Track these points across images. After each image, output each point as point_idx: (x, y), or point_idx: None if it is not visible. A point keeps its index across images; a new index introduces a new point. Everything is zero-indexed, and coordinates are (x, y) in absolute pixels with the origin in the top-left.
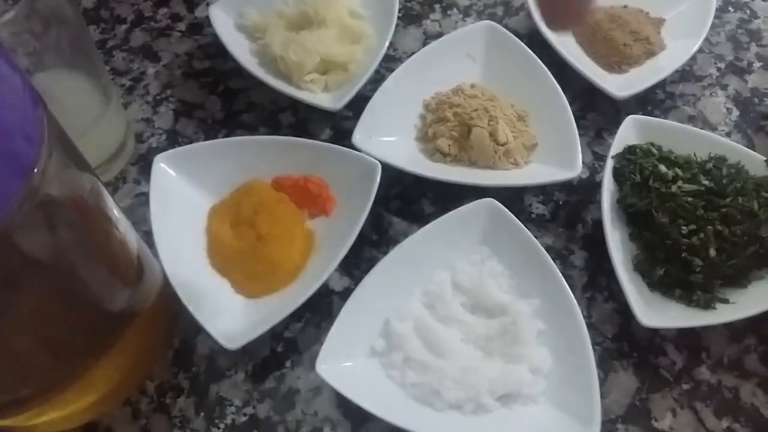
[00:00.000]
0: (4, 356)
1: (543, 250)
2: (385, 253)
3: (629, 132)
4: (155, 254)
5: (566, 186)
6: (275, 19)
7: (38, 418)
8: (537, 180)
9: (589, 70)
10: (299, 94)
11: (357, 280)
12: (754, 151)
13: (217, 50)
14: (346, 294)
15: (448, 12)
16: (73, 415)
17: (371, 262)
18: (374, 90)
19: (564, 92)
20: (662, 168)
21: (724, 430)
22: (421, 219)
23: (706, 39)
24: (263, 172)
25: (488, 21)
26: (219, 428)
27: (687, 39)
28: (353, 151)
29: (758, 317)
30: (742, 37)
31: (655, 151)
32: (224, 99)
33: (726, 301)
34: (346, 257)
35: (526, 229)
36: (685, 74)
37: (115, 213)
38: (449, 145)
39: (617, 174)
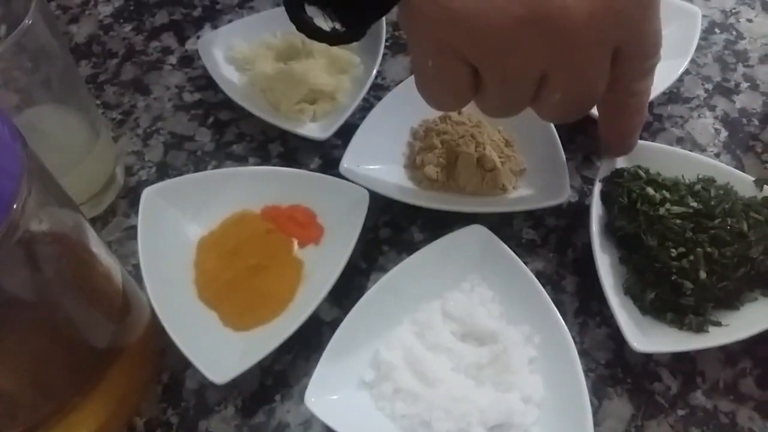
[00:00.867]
0: None
1: (532, 276)
2: (375, 281)
3: None
4: (143, 288)
5: (556, 210)
6: (263, 50)
7: None
8: (525, 206)
9: None
10: (288, 124)
11: (346, 310)
12: (744, 171)
13: (208, 82)
14: (335, 324)
15: None
16: None
17: (360, 291)
18: (362, 118)
19: None
20: (650, 191)
21: None
22: (411, 247)
23: (693, 61)
24: (252, 203)
25: None
26: None
27: (673, 61)
28: (341, 180)
29: (752, 339)
30: (729, 58)
31: (642, 174)
32: (214, 130)
33: (719, 324)
34: (336, 287)
35: (515, 255)
36: (672, 96)
37: (100, 248)
38: (437, 172)
39: (605, 198)
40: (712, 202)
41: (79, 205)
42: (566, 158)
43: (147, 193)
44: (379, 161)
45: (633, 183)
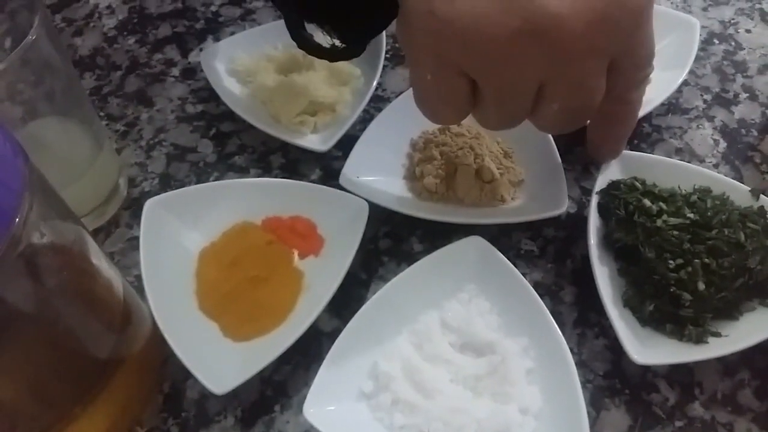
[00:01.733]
0: None
1: (530, 287)
2: (374, 292)
3: (613, 167)
4: (145, 299)
5: (554, 221)
6: (265, 62)
7: None
8: (523, 217)
9: None
10: (288, 136)
11: (346, 321)
12: (743, 182)
13: (210, 94)
14: (335, 335)
15: None
16: None
17: (360, 302)
18: (363, 130)
19: None
20: (646, 202)
21: None
22: (410, 257)
23: (692, 71)
24: (253, 214)
25: None
26: None
27: (671, 72)
28: (341, 191)
29: (751, 350)
30: (728, 69)
31: (639, 186)
32: (216, 142)
33: (718, 335)
34: (336, 298)
35: (512, 266)
36: (671, 107)
37: (101, 260)
38: (436, 184)
39: (602, 210)
40: (709, 213)
41: (83, 216)
42: (565, 169)
43: (149, 204)
44: (379, 172)
45: (630, 195)
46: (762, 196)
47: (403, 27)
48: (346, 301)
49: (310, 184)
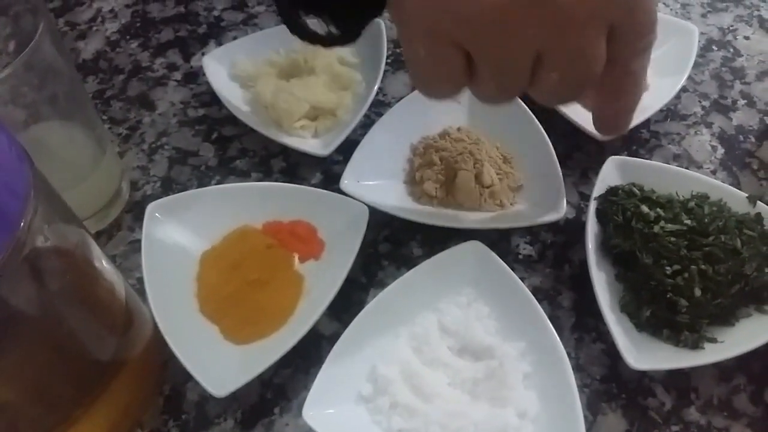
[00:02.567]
0: None
1: (528, 291)
2: (374, 296)
3: (611, 173)
4: (146, 301)
5: (553, 226)
6: (266, 67)
7: None
8: (522, 222)
9: (573, 112)
10: (289, 140)
11: (346, 324)
12: (740, 188)
13: (211, 98)
14: (334, 338)
15: None
16: None
17: (360, 306)
18: (363, 134)
19: (549, 132)
20: (644, 208)
21: None
22: (410, 261)
23: (690, 78)
24: (254, 218)
25: None
26: None
27: (670, 78)
28: (342, 195)
29: (747, 356)
30: (726, 75)
31: (637, 192)
32: (217, 146)
33: (714, 341)
34: (335, 301)
35: (511, 270)
36: (669, 113)
37: (104, 263)
38: (436, 189)
39: (600, 215)
40: (706, 219)
41: (85, 219)
42: (563, 174)
43: (151, 208)
44: (380, 177)
45: (627, 201)
46: (759, 203)
47: (394, 3)
48: (346, 304)
49: (311, 188)
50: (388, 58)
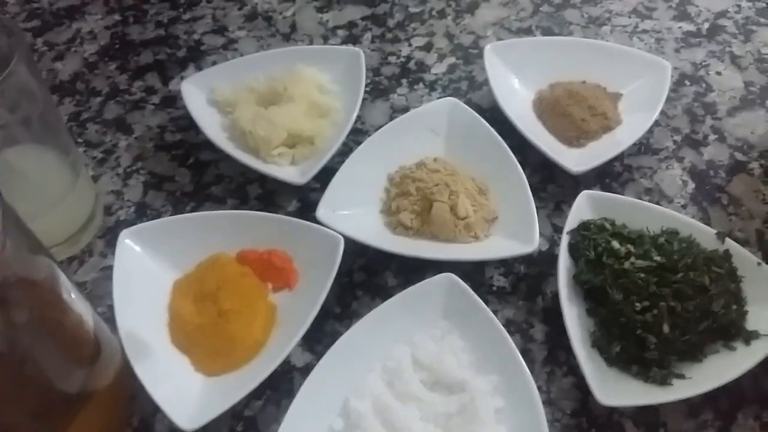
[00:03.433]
0: None
1: (500, 325)
2: (348, 327)
3: (584, 207)
4: (116, 331)
5: (526, 258)
6: (245, 94)
7: None
8: (496, 254)
9: (548, 145)
10: (267, 168)
11: (319, 356)
12: (710, 223)
13: (189, 123)
14: (307, 370)
15: (415, 86)
16: None
17: (334, 337)
18: (341, 162)
19: (524, 164)
20: (615, 244)
21: None
22: (384, 292)
23: (663, 112)
24: (228, 246)
25: (451, 97)
26: None
27: (643, 113)
28: (317, 225)
29: (715, 391)
30: (698, 110)
31: (608, 227)
32: (194, 171)
33: (682, 377)
34: (309, 332)
35: (483, 304)
36: (642, 147)
37: (72, 294)
38: (411, 219)
39: (572, 250)
40: (675, 256)
41: (57, 244)
42: (537, 206)
43: (123, 235)
44: (356, 206)
45: (599, 236)
46: (727, 240)
47: None
48: (319, 335)
49: (286, 217)
50: (366, 86)
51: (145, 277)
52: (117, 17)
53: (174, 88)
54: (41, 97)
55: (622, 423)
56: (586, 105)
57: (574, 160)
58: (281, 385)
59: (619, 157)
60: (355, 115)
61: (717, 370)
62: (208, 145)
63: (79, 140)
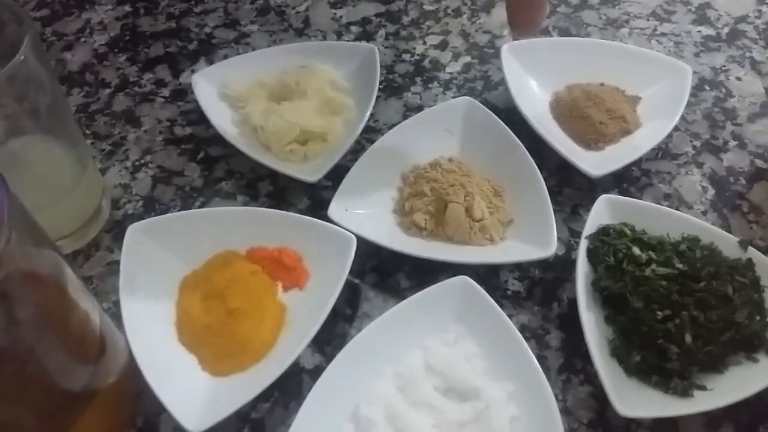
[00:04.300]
0: None
1: (517, 331)
2: (359, 329)
3: (602, 211)
4: (122, 327)
5: (542, 262)
6: (257, 89)
7: None
8: (511, 258)
9: (565, 147)
10: (278, 164)
11: (329, 358)
12: (730, 230)
13: (200, 117)
14: (316, 372)
15: (429, 85)
16: None
17: (344, 339)
18: (354, 160)
19: (541, 167)
20: (636, 250)
21: None
22: (396, 293)
23: (683, 117)
24: (238, 243)
25: (467, 97)
26: None
27: (663, 118)
28: (329, 224)
29: (736, 404)
30: (718, 116)
31: (628, 232)
32: (204, 166)
33: (703, 388)
34: (319, 333)
35: (499, 308)
36: (661, 151)
37: (78, 290)
38: (425, 220)
39: (591, 255)
40: (698, 264)
41: (63, 238)
42: (554, 210)
43: (131, 230)
44: (369, 205)
45: (619, 241)
46: (750, 248)
47: None
48: (329, 336)
49: (298, 215)
50: (381, 83)
51: (153, 274)
52: (128, 8)
53: (185, 81)
54: (50, 87)
55: None
56: (604, 107)
57: (593, 163)
58: (290, 388)
59: (637, 162)
60: (369, 112)
61: (739, 382)
62: (219, 139)
63: (87, 132)
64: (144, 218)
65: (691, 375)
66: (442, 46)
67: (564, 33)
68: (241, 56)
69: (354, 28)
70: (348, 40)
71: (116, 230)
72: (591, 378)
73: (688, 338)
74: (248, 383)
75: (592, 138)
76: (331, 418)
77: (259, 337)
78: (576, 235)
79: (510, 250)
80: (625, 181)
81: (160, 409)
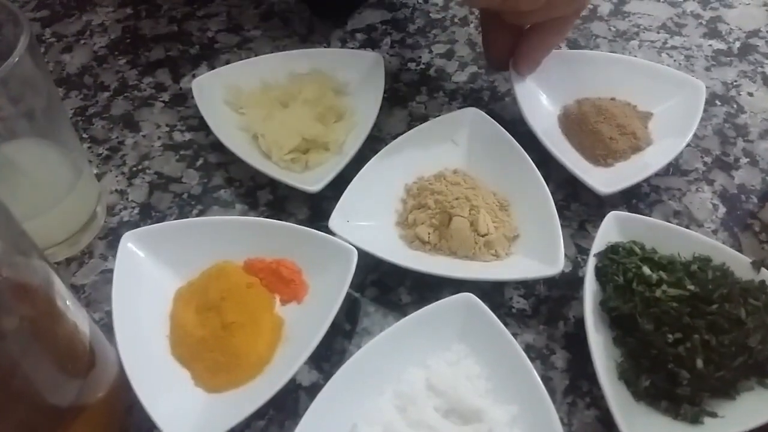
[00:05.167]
0: None
1: (522, 351)
2: (358, 345)
3: (611, 228)
4: (113, 339)
5: (548, 280)
6: (259, 95)
7: None
8: (517, 275)
9: (573, 162)
10: (278, 173)
11: (327, 375)
12: (741, 249)
13: (200, 123)
14: (314, 390)
15: (435, 95)
16: None
17: (343, 355)
18: (356, 170)
19: (547, 180)
20: (646, 270)
21: None
22: (397, 309)
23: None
24: (235, 254)
25: (473, 107)
26: None
27: (674, 136)
28: (329, 236)
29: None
30: (729, 132)
31: (638, 251)
32: (202, 173)
33: (714, 415)
34: (317, 349)
35: (504, 327)
36: (671, 168)
37: (67, 301)
38: (429, 234)
39: (600, 274)
40: (710, 286)
41: (56, 244)
42: (561, 225)
43: (126, 238)
44: (371, 217)
45: (628, 260)
46: (763, 270)
47: None
48: (328, 353)
49: (298, 226)
50: (385, 92)
51: (147, 284)
52: (129, 11)
53: (185, 86)
54: (46, 89)
55: None
56: (614, 123)
57: (602, 179)
58: (286, 405)
59: (647, 178)
60: (373, 121)
61: (751, 409)
62: (219, 146)
63: (84, 136)
64: (140, 226)
65: (702, 401)
66: (449, 55)
67: (572, 45)
68: (243, 62)
69: (359, 36)
70: (353, 48)
71: (111, 237)
72: (597, 401)
73: (699, 363)
74: (242, 400)
75: (601, 154)
76: None
77: (255, 351)
78: (583, 251)
79: (515, 267)
80: (633, 196)
81: (150, 426)
